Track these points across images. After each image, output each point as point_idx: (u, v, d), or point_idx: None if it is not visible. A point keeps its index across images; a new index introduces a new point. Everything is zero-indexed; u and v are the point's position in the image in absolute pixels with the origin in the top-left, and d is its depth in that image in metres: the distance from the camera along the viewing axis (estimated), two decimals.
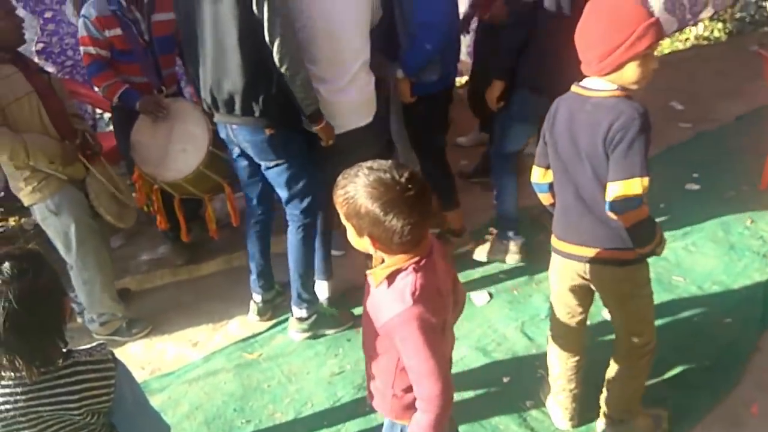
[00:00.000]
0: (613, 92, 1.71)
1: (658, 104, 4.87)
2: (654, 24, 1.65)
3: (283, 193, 2.68)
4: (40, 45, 3.29)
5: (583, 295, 2.01)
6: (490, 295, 3.01)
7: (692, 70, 5.48)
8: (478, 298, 2.97)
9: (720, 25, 6.68)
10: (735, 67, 5.11)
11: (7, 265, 1.34)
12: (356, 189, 1.31)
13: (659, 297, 2.82)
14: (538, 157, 1.95)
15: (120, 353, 2.85)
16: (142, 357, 2.88)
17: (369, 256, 1.47)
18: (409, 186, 1.30)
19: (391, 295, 1.39)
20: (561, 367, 2.16)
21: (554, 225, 1.97)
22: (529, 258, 3.20)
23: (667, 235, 3.17)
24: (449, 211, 3.28)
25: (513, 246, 3.20)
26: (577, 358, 2.14)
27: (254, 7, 2.24)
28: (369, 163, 1.34)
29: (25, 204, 2.71)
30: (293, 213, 2.71)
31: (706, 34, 6.58)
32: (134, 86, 3.06)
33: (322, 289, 2.99)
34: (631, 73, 1.69)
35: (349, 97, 2.56)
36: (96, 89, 3.20)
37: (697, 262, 3.03)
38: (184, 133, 2.98)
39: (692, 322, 2.67)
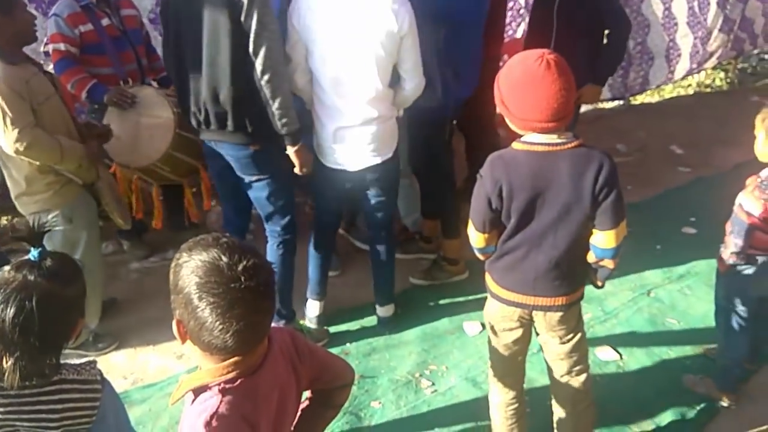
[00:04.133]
0: (578, 141, 1.73)
1: (659, 147, 4.93)
2: None
3: (263, 209, 2.68)
4: (48, 46, 3.33)
5: (524, 334, 2.00)
6: (483, 325, 2.98)
7: (693, 117, 5.55)
8: (470, 328, 2.94)
9: (722, 74, 6.79)
10: (735, 116, 5.15)
11: (48, 261, 1.30)
12: (188, 258, 1.10)
13: (652, 338, 2.82)
14: (482, 224, 1.84)
15: (103, 362, 2.83)
16: (124, 367, 2.83)
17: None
18: (243, 278, 1.06)
19: (188, 417, 1.14)
20: (501, 416, 2.12)
21: (500, 276, 1.93)
22: None
23: (662, 277, 3.24)
24: (449, 239, 3.27)
25: None
26: (515, 405, 2.09)
27: (242, 19, 2.25)
28: (222, 238, 1.12)
29: (32, 210, 2.58)
30: (273, 229, 2.72)
31: (708, 81, 6.68)
32: (101, 78, 3.11)
33: (313, 308, 2.96)
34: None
35: (369, 131, 2.51)
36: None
37: (692, 305, 3.02)
38: (150, 119, 3.00)
39: (685, 365, 2.64)
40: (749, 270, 2.24)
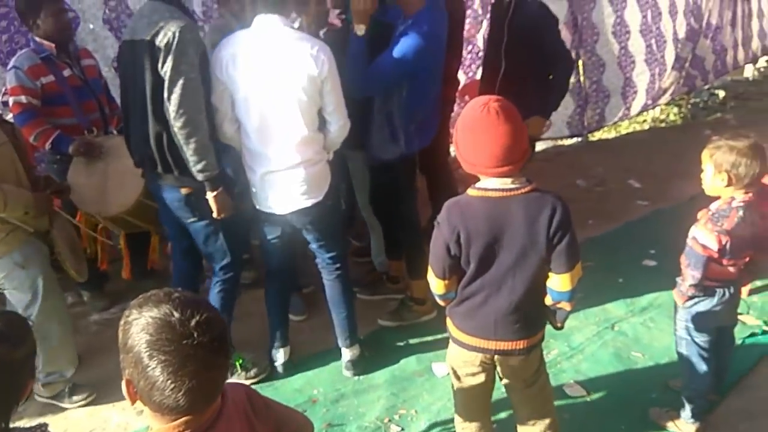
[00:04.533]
0: (531, 186, 1.78)
1: (617, 182, 5.05)
2: None
3: (202, 250, 2.74)
4: (6, 97, 3.32)
5: (487, 378, 1.99)
6: None
7: (650, 151, 5.72)
8: (439, 369, 2.92)
9: (676, 109, 7.04)
10: (689, 150, 5.23)
11: None
12: (138, 315, 1.07)
13: (619, 373, 2.84)
14: (441, 270, 1.86)
15: (62, 419, 2.74)
16: (85, 424, 2.72)
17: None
18: (196, 333, 1.03)
19: None
20: None
21: (461, 321, 1.94)
22: None
23: (624, 310, 3.29)
24: (415, 280, 3.28)
25: None
26: None
27: (158, 66, 2.33)
28: (174, 293, 1.09)
29: None
30: (213, 268, 2.76)
31: (663, 117, 6.92)
32: (65, 129, 3.11)
33: (278, 355, 2.94)
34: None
35: (296, 175, 2.54)
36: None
37: (655, 337, 3.06)
38: (119, 167, 2.99)
39: (651, 398, 2.66)
40: (707, 301, 2.29)
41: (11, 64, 3.07)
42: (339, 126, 2.57)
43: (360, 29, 2.70)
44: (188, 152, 2.39)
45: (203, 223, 2.62)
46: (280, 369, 2.93)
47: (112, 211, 3.05)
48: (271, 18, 2.40)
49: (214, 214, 2.55)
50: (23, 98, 3.03)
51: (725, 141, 2.21)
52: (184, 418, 1.08)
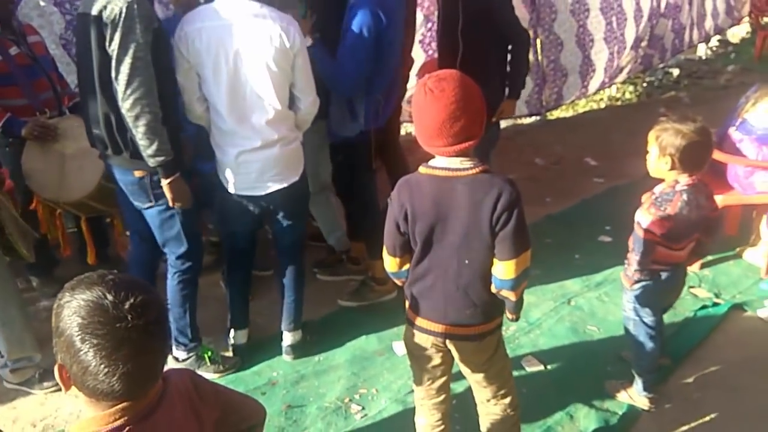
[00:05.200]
0: (481, 168, 1.72)
1: (574, 159, 5.12)
2: None
3: (158, 237, 2.59)
4: None
5: (443, 359, 1.98)
6: None
7: (606, 129, 5.81)
8: (399, 348, 2.93)
9: (631, 87, 7.15)
10: (644, 128, 5.32)
11: None
12: (70, 298, 1.02)
13: (575, 346, 2.90)
14: (393, 248, 1.85)
15: (11, 408, 2.64)
16: (34, 414, 2.64)
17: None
18: (130, 316, 0.99)
19: None
20: None
21: (413, 302, 1.92)
22: None
23: (580, 286, 3.34)
24: (375, 259, 3.26)
25: None
26: (441, 427, 2.07)
27: (106, 43, 2.20)
28: (108, 275, 1.05)
29: None
30: (170, 258, 2.63)
31: (619, 95, 7.02)
32: (15, 111, 2.95)
33: (238, 336, 2.92)
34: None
35: (272, 154, 2.48)
36: None
37: (610, 311, 3.12)
38: (77, 150, 2.87)
39: (606, 371, 2.71)
40: (654, 284, 2.31)
41: None
42: (309, 102, 2.52)
43: (308, 41, 2.62)
44: (137, 135, 2.27)
45: (158, 209, 2.49)
46: (240, 352, 2.90)
47: (74, 196, 2.90)
48: None
49: (169, 203, 2.44)
50: None
51: (672, 123, 2.19)
52: (120, 405, 1.05)
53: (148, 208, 2.51)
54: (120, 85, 2.21)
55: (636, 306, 2.38)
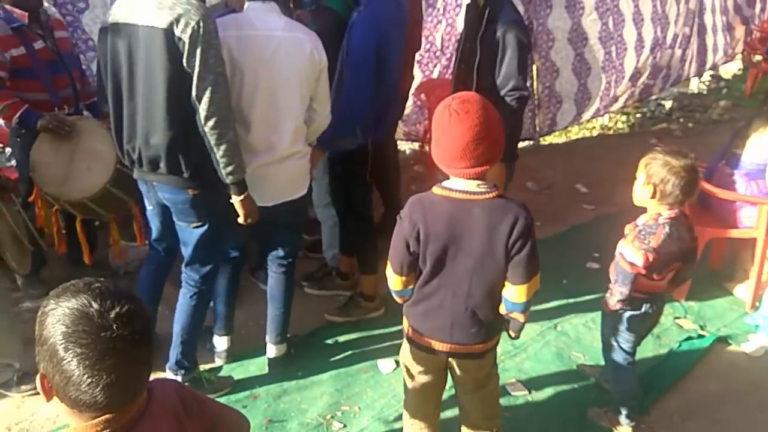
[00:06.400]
0: (496, 192, 1.74)
1: (565, 186, 5.15)
2: None
3: (188, 254, 2.54)
4: None
5: (439, 378, 2.00)
6: (397, 363, 2.96)
7: (597, 157, 5.85)
8: (384, 366, 2.91)
9: (624, 117, 7.23)
10: (635, 157, 5.37)
11: None
12: (55, 306, 1.00)
13: (559, 372, 2.89)
14: (399, 266, 1.84)
15: None
16: (10, 417, 2.60)
17: None
18: (115, 326, 0.98)
19: None
20: None
21: (417, 321, 1.92)
22: None
23: (567, 311, 3.34)
24: (366, 275, 3.25)
25: None
26: None
27: (184, 62, 2.13)
28: (94, 283, 1.03)
29: None
30: (191, 276, 2.58)
31: (611, 124, 7.10)
32: (34, 105, 2.95)
33: (221, 343, 2.91)
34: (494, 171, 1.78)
35: (288, 167, 2.52)
36: None
37: (596, 338, 3.07)
38: (88, 150, 2.85)
39: (590, 398, 2.71)
40: (635, 312, 2.33)
41: None
42: (324, 115, 2.58)
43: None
44: (219, 154, 2.20)
45: (204, 228, 2.44)
46: (222, 357, 2.90)
47: (75, 195, 2.87)
48: (270, 5, 2.38)
49: (240, 219, 2.40)
50: None
51: (664, 155, 2.22)
52: (103, 417, 1.02)
53: (194, 226, 2.45)
54: (203, 104, 2.15)
55: (615, 331, 2.40)
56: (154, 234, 2.69)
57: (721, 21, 7.95)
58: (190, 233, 2.48)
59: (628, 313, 2.33)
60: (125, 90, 2.29)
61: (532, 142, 6.08)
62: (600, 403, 2.65)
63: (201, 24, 2.10)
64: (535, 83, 5.69)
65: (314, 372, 2.89)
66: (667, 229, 2.19)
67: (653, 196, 2.21)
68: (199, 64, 2.12)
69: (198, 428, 1.25)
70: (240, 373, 2.87)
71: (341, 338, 3.14)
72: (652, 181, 2.20)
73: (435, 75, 5.40)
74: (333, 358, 2.98)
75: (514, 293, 1.77)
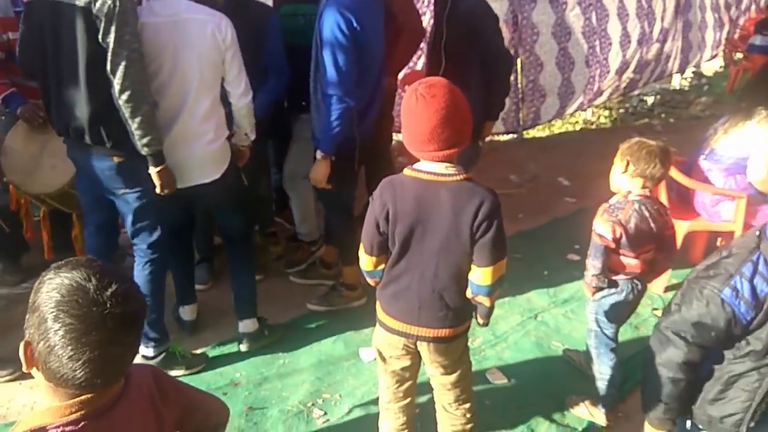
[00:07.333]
0: (464, 175, 1.77)
1: (548, 179, 5.19)
2: None
3: (130, 224, 2.59)
4: None
5: (412, 362, 2.02)
6: None
7: (579, 151, 5.90)
8: (365, 354, 2.92)
9: (606, 112, 7.30)
10: (616, 152, 5.55)
11: None
12: (54, 276, 1.01)
13: (539, 361, 2.92)
14: (370, 246, 1.88)
15: None
16: None
17: None
18: (109, 303, 0.98)
19: None
20: None
21: (387, 303, 1.95)
22: None
23: (547, 302, 3.38)
24: (348, 266, 3.26)
25: None
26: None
27: (99, 37, 2.21)
28: (96, 261, 1.06)
29: None
30: (140, 247, 2.63)
31: (594, 119, 7.16)
32: (24, 91, 2.96)
33: (184, 312, 3.03)
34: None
35: (193, 152, 2.55)
36: None
37: (575, 328, 3.16)
38: (57, 148, 2.84)
39: (569, 386, 2.74)
40: (616, 295, 2.38)
41: None
42: (238, 95, 2.57)
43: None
44: (133, 126, 2.29)
45: (135, 194, 2.50)
46: (187, 327, 3.02)
47: (34, 189, 2.96)
48: None
49: (157, 190, 2.45)
50: None
51: (639, 138, 2.33)
52: (78, 399, 1.02)
53: (124, 193, 2.50)
54: (117, 78, 2.23)
55: (599, 317, 2.44)
56: (84, 209, 2.75)
57: (713, 18, 8.01)
58: (125, 202, 2.53)
59: (610, 298, 2.38)
60: (50, 64, 2.36)
61: (515, 135, 6.12)
62: (578, 391, 2.68)
63: (117, 2, 2.18)
64: (519, 77, 5.71)
65: (295, 360, 2.90)
66: (636, 206, 2.28)
67: (625, 170, 2.29)
68: (114, 40, 2.20)
69: (174, 413, 1.25)
70: (221, 361, 2.87)
71: (323, 327, 3.15)
72: (625, 157, 2.29)
73: (419, 67, 5.39)
74: (315, 346, 2.99)
75: (479, 276, 1.79)
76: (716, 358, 1.67)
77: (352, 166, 3.08)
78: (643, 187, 2.30)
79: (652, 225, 2.28)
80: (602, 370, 2.51)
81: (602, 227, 2.28)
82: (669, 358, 1.67)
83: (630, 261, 2.33)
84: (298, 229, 3.60)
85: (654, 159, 2.24)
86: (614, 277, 2.35)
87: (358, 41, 2.67)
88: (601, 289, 2.37)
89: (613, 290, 2.36)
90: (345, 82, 2.66)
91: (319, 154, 2.81)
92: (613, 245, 2.28)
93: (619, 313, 2.43)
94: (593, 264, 2.32)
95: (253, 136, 2.78)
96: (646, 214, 2.27)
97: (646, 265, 2.37)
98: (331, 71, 2.64)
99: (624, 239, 2.27)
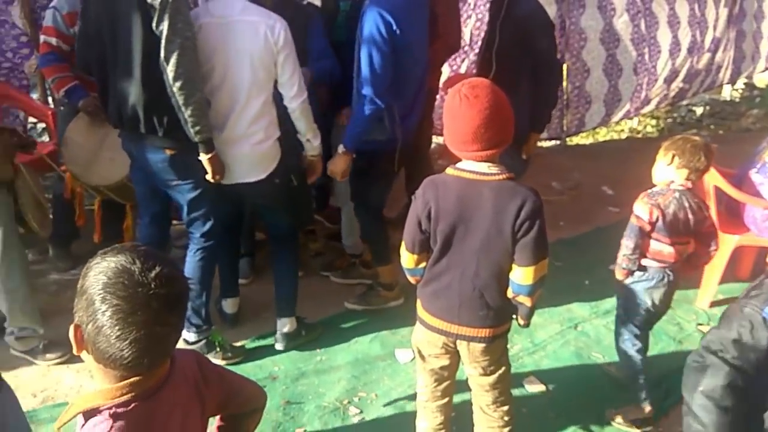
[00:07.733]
0: (507, 175, 1.78)
1: (591, 187, 5.11)
2: None
3: (185, 214, 2.68)
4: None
5: (451, 361, 2.02)
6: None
7: (625, 160, 5.79)
8: (402, 355, 2.93)
9: (653, 122, 7.15)
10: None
11: None
12: (101, 260, 1.05)
13: (578, 371, 2.88)
14: (411, 244, 1.89)
15: (13, 377, 2.66)
16: (35, 384, 2.66)
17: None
18: (153, 284, 1.01)
19: None
20: None
21: (427, 301, 1.95)
22: None
23: (588, 311, 3.33)
24: (381, 266, 3.27)
25: None
26: (442, 431, 2.12)
27: (153, 25, 2.27)
28: (141, 246, 1.09)
29: None
30: (194, 236, 2.72)
31: (640, 128, 7.02)
32: (86, 83, 3.04)
33: (226, 305, 3.08)
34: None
35: (241, 151, 2.57)
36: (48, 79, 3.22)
37: None
38: (116, 142, 2.92)
39: (608, 398, 2.70)
40: (644, 282, 2.40)
41: (53, 2, 3.04)
42: (290, 97, 2.57)
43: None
44: (186, 114, 2.35)
45: (188, 186, 2.57)
46: (228, 320, 3.07)
47: (93, 180, 3.06)
48: None
49: (209, 176, 2.51)
50: (53, 40, 3.03)
51: (683, 134, 2.41)
52: (128, 380, 1.06)
53: (177, 185, 2.57)
54: (171, 66, 2.29)
55: (626, 302, 2.49)
56: (139, 199, 2.86)
57: None
58: (179, 193, 2.61)
59: (638, 284, 2.42)
60: (109, 54, 2.43)
61: (558, 142, 6.04)
62: (617, 403, 2.63)
63: None
64: (564, 82, 5.64)
65: (333, 357, 2.92)
66: (677, 194, 2.33)
67: (671, 162, 2.33)
68: (167, 27, 2.25)
69: (216, 397, 1.29)
70: (261, 354, 2.91)
71: (361, 325, 3.16)
72: (671, 151, 2.34)
73: (463, 70, 5.38)
74: (352, 345, 3.01)
75: (520, 275, 1.79)
76: None
77: (390, 168, 3.09)
78: (687, 178, 2.33)
79: (690, 216, 2.32)
80: (629, 363, 2.52)
81: (640, 209, 2.34)
82: (713, 385, 1.62)
83: (664, 248, 2.36)
84: (345, 242, 3.61)
85: (699, 152, 2.30)
86: (644, 262, 2.39)
87: (397, 44, 2.68)
88: (632, 272, 2.40)
89: (643, 275, 2.40)
90: (378, 83, 2.67)
91: (341, 149, 2.82)
92: (648, 227, 2.33)
93: (645, 300, 2.43)
94: (626, 244, 2.37)
95: (316, 142, 2.74)
96: (686, 204, 2.32)
97: (681, 256, 2.39)
98: (366, 72, 2.67)
99: (660, 223, 2.32)
